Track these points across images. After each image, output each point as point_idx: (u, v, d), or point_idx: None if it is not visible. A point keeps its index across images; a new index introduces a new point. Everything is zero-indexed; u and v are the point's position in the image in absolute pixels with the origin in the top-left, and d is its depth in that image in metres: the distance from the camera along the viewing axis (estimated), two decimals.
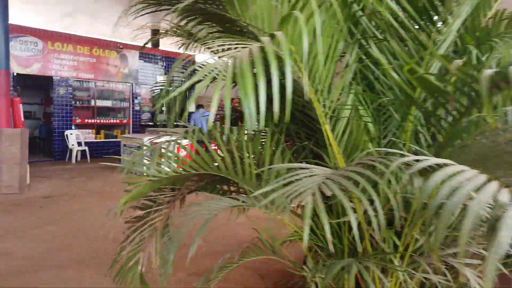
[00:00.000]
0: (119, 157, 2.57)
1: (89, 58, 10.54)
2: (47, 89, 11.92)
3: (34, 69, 9.48)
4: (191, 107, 13.67)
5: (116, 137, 11.52)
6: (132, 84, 11.64)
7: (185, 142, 9.48)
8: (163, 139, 7.95)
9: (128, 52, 11.42)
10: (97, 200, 6.31)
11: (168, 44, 17.02)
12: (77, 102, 10.66)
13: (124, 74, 11.40)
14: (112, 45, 11.05)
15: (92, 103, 11.04)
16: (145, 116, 12.36)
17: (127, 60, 11.43)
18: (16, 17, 10.03)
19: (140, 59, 11.78)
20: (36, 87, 11.61)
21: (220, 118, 2.80)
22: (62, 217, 5.30)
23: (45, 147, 11.54)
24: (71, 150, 10.06)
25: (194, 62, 13.48)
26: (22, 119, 7.21)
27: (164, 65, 12.49)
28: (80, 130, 10.61)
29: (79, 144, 10.30)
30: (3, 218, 5.18)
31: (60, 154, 10.20)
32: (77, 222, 5.12)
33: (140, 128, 11.94)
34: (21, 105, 7.14)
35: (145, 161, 1.96)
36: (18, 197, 6.31)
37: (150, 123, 12.21)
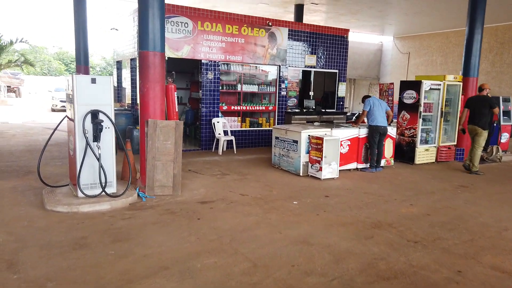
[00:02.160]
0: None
1: (238, 38, 9.51)
2: (193, 73, 11.43)
3: (184, 52, 8.80)
4: (341, 91, 11.85)
5: (261, 125, 10.45)
6: (279, 66, 10.35)
7: (349, 135, 7.71)
8: (321, 131, 5.85)
9: (276, 30, 10.10)
10: (263, 213, 5.06)
11: (309, 20, 15.37)
12: (223, 87, 9.81)
13: (272, 55, 10.15)
14: (261, 22, 9.84)
15: (238, 88, 10.08)
16: (291, 102, 11.00)
17: (276, 39, 10.13)
18: None
19: (289, 38, 10.37)
20: (181, 70, 11.18)
21: None
22: (228, 239, 4.11)
23: (191, 134, 11.12)
24: (217, 140, 9.28)
25: (348, 39, 11.57)
26: (176, 109, 6.41)
27: (313, 42, 10.86)
28: (226, 117, 9.78)
29: (225, 133, 9.47)
30: (160, 234, 4.23)
31: (206, 144, 9.52)
32: (254, 252, 3.83)
33: (284, 115, 10.65)
34: (175, 93, 6.32)
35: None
36: (171, 201, 5.46)
37: (296, 110, 10.81)
